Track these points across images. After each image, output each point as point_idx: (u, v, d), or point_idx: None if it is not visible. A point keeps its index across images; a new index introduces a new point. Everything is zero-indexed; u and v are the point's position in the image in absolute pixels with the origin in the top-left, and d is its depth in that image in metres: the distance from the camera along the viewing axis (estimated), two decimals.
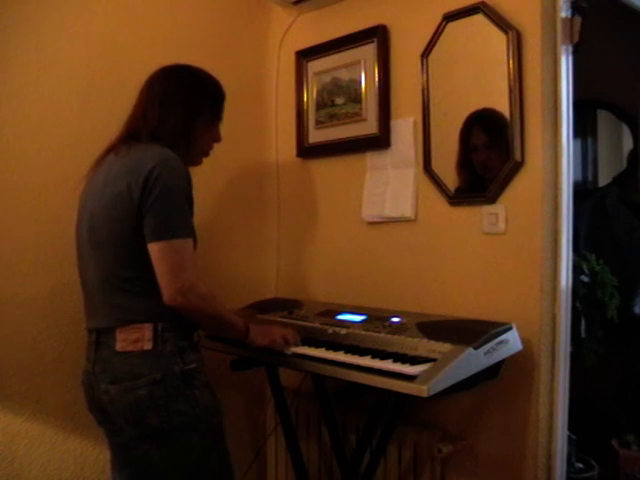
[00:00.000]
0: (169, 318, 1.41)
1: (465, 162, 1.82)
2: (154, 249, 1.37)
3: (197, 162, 1.64)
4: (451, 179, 1.85)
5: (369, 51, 2.04)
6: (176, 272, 1.37)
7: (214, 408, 1.48)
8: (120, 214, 1.40)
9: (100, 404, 1.47)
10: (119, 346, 1.41)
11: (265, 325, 1.71)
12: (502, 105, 1.71)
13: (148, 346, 1.40)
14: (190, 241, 1.41)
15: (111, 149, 1.52)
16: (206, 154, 1.65)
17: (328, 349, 1.61)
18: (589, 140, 3.17)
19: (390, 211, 2.01)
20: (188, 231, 1.41)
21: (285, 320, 1.90)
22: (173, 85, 1.54)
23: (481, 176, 1.80)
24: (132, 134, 1.51)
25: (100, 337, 1.45)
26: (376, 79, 2.02)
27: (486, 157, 1.78)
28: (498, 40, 1.70)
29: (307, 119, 2.26)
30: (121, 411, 1.41)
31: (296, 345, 1.66)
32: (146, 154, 1.43)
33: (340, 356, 1.55)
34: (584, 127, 3.13)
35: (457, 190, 1.84)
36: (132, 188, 1.38)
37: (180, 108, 1.52)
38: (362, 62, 2.06)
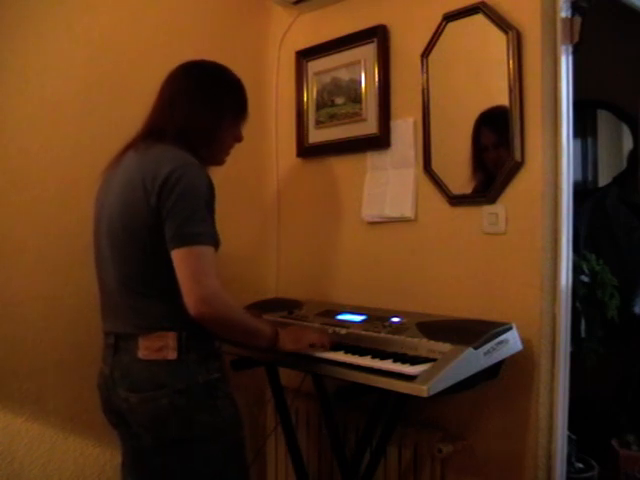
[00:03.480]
0: (192, 325, 1.33)
1: (479, 163, 1.81)
2: (176, 256, 1.31)
3: (220, 161, 1.59)
4: (451, 179, 1.84)
5: (369, 51, 2.04)
6: (198, 279, 1.30)
7: (236, 421, 1.44)
8: (136, 216, 1.36)
9: (116, 408, 1.43)
10: (142, 354, 1.36)
11: (296, 328, 1.67)
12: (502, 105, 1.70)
13: (172, 355, 1.35)
14: (212, 249, 1.34)
15: (130, 146, 1.46)
16: (227, 154, 1.60)
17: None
18: (589, 140, 3.17)
19: (390, 211, 2.01)
20: (210, 238, 1.34)
21: (285, 320, 1.90)
22: (201, 82, 1.49)
23: (493, 175, 1.76)
24: (154, 132, 1.45)
25: (119, 342, 1.41)
26: (376, 79, 2.02)
27: (496, 156, 1.76)
28: (498, 40, 1.70)
29: (307, 119, 2.26)
30: (141, 420, 1.38)
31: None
32: (164, 155, 1.37)
33: (340, 356, 1.55)
34: (584, 127, 3.13)
35: (473, 191, 1.80)
36: (148, 190, 1.33)
37: (209, 106, 1.47)
38: (362, 62, 2.06)
